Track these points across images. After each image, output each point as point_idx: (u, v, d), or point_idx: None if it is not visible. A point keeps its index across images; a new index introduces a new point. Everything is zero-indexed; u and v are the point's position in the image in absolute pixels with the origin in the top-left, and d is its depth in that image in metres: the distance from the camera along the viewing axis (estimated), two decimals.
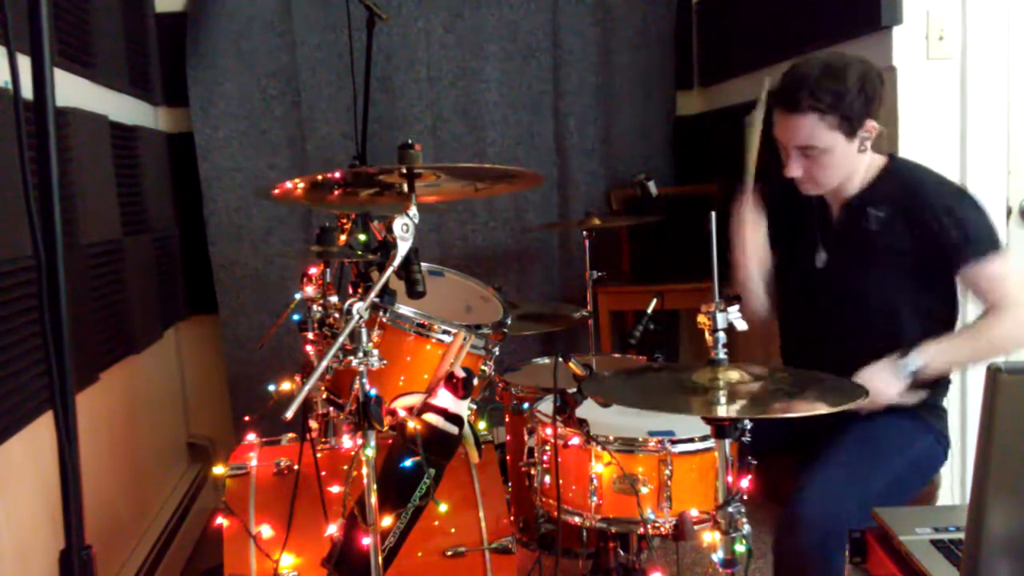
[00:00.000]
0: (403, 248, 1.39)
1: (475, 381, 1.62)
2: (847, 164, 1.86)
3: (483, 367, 1.69)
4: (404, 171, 1.43)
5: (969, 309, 1.98)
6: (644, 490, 1.72)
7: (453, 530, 1.82)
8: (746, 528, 1.40)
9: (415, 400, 1.61)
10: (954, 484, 2.49)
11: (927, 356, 1.77)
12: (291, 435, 2.12)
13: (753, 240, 2.05)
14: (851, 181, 1.91)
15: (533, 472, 1.90)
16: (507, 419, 2.32)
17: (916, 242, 1.84)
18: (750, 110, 1.92)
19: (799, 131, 1.81)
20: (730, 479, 1.41)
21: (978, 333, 1.83)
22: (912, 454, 1.88)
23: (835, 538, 1.56)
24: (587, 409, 1.75)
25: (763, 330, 2.02)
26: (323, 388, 1.70)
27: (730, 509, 1.40)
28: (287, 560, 1.74)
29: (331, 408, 1.96)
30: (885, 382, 1.76)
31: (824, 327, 1.99)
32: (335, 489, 1.83)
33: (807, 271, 2.01)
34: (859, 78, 1.78)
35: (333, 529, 1.61)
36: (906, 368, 1.76)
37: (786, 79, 1.84)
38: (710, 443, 1.73)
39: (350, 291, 1.59)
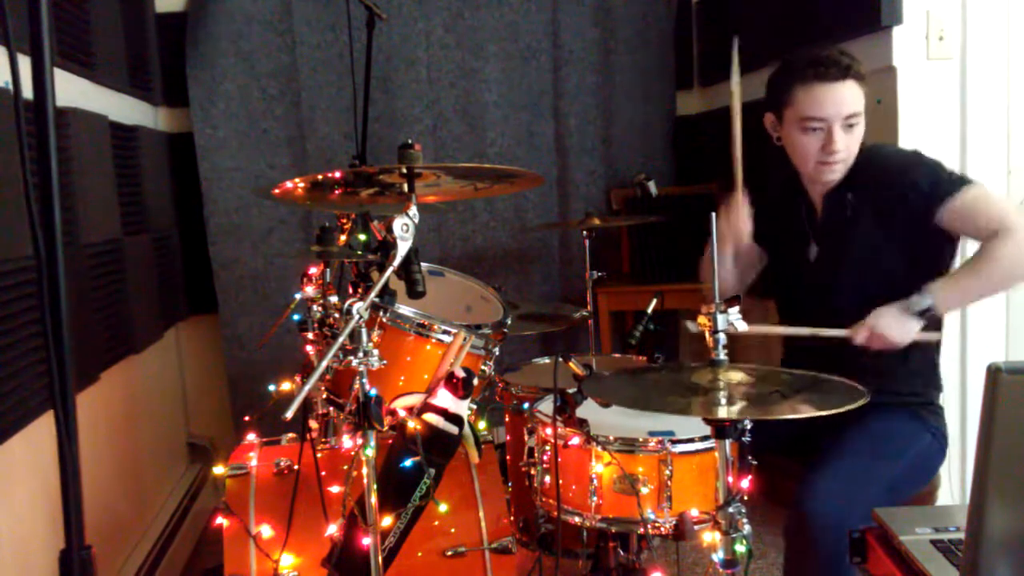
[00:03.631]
0: (403, 248, 1.39)
1: (475, 381, 1.62)
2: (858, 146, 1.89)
3: (483, 367, 1.69)
4: (404, 171, 1.44)
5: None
6: (644, 490, 1.72)
7: (453, 530, 1.82)
8: (746, 528, 1.40)
9: (415, 400, 1.61)
10: (954, 484, 2.49)
11: (936, 293, 1.74)
12: (291, 435, 2.12)
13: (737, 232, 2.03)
14: None
15: (533, 472, 1.90)
16: (507, 419, 2.32)
17: (891, 217, 1.84)
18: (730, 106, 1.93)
19: (847, 99, 1.82)
20: (730, 479, 1.41)
21: (982, 260, 1.76)
22: (913, 452, 1.88)
23: (844, 537, 1.56)
24: (587, 409, 1.75)
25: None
26: (323, 388, 1.70)
27: (730, 509, 1.40)
28: (287, 560, 1.74)
29: (331, 408, 1.95)
30: (896, 323, 1.74)
31: (820, 320, 1.99)
32: (335, 489, 1.83)
33: (799, 266, 2.02)
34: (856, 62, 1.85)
35: (333, 529, 1.61)
36: (916, 307, 1.73)
37: (813, 55, 1.85)
38: (710, 443, 1.73)
39: (350, 291, 1.59)
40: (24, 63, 1.05)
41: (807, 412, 1.37)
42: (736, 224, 2.00)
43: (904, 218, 1.83)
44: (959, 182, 1.79)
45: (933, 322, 1.78)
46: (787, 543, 1.75)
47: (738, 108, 1.91)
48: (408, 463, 1.55)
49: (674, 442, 1.73)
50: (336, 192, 1.62)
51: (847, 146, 1.86)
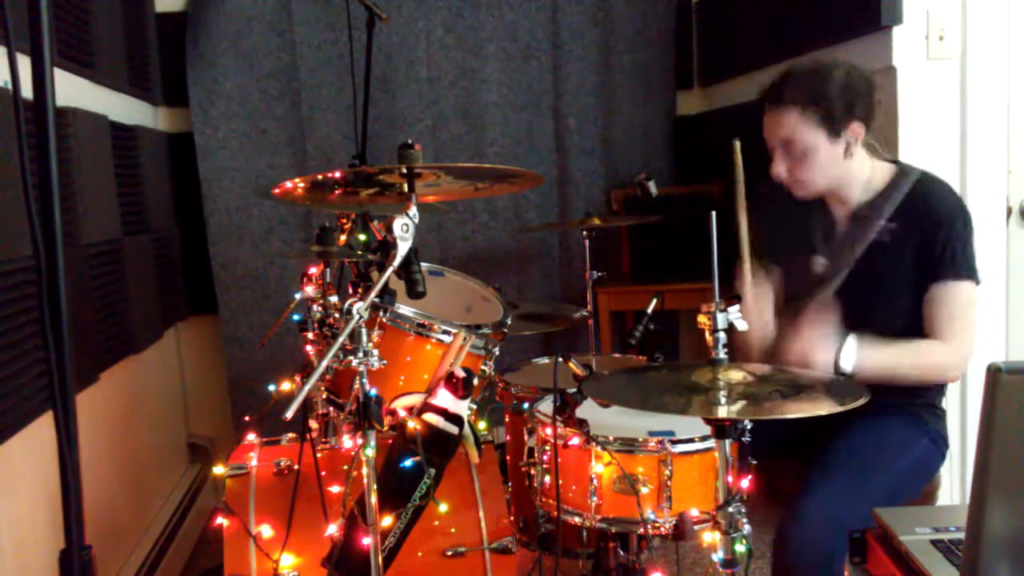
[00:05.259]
0: (403, 248, 1.39)
1: (475, 381, 1.62)
2: (832, 168, 1.85)
3: (483, 367, 1.69)
4: (404, 171, 1.44)
5: None
6: (644, 490, 1.72)
7: (453, 530, 1.82)
8: (746, 528, 1.40)
9: (415, 400, 1.61)
10: (954, 484, 2.49)
11: (862, 353, 1.75)
12: (291, 435, 2.12)
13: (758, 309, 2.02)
14: (852, 189, 1.90)
15: (533, 472, 1.90)
16: (507, 419, 2.32)
17: (919, 252, 1.83)
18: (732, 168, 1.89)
19: (781, 125, 1.82)
20: (730, 479, 1.41)
21: (909, 352, 1.81)
22: (911, 458, 1.87)
23: (835, 551, 1.56)
24: (587, 409, 1.75)
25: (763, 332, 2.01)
26: (323, 388, 1.70)
27: (730, 509, 1.40)
28: (287, 560, 1.74)
29: (331, 408, 1.96)
30: (819, 348, 1.75)
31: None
32: (335, 489, 1.83)
33: (811, 282, 1.99)
34: (843, 78, 1.80)
35: (333, 529, 1.61)
36: (840, 354, 1.74)
37: (773, 78, 1.86)
38: (710, 443, 1.73)
39: (350, 291, 1.59)
40: (24, 63, 1.05)
41: (807, 412, 1.37)
42: (759, 314, 1.97)
43: (924, 265, 1.83)
44: (963, 272, 1.79)
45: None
46: (774, 555, 1.73)
47: (743, 199, 1.88)
48: (408, 463, 1.55)
49: (674, 442, 1.73)
50: (336, 192, 1.62)
51: (792, 172, 1.85)
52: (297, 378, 1.83)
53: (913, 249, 1.84)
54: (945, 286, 1.80)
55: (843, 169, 1.86)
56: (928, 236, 1.81)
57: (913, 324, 1.86)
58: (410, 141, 1.42)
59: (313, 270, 1.82)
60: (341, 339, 1.32)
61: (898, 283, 1.87)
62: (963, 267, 1.80)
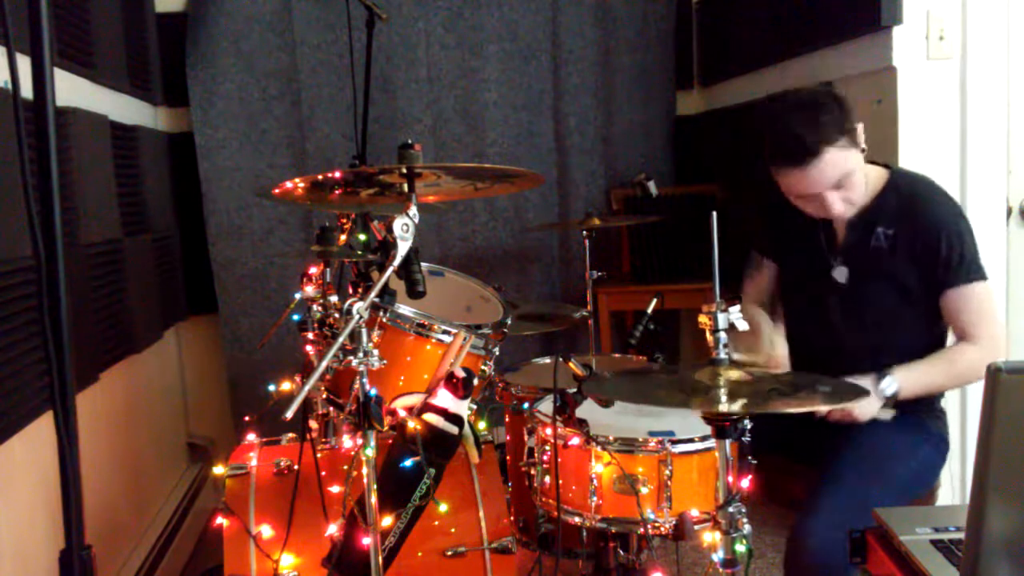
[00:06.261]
0: (403, 248, 1.39)
1: (475, 381, 1.62)
2: (862, 175, 1.85)
3: (483, 367, 1.69)
4: (404, 171, 1.43)
5: None
6: (644, 490, 1.72)
7: (453, 530, 1.82)
8: (746, 528, 1.40)
9: (415, 400, 1.61)
10: (954, 484, 2.49)
11: (902, 380, 1.80)
12: (291, 435, 2.12)
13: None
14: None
15: (533, 472, 1.90)
16: (507, 419, 2.32)
17: (918, 257, 1.84)
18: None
19: (827, 172, 1.77)
20: (730, 479, 1.41)
21: (943, 360, 1.86)
22: (914, 465, 1.88)
23: (845, 566, 1.56)
24: (587, 409, 1.75)
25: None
26: (323, 388, 1.69)
27: (730, 509, 1.40)
28: (287, 560, 1.74)
29: (331, 408, 1.96)
30: (868, 408, 1.79)
31: (825, 329, 1.98)
32: (335, 489, 1.83)
33: (815, 288, 1.99)
34: (829, 93, 1.80)
35: (333, 529, 1.61)
36: (882, 393, 1.79)
37: (776, 142, 1.81)
38: (710, 443, 1.73)
39: (350, 291, 1.59)
40: (24, 63, 1.05)
41: (806, 406, 1.37)
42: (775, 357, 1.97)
43: (925, 271, 1.84)
44: (973, 273, 1.81)
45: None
46: (786, 567, 1.73)
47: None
48: (408, 463, 1.55)
49: (674, 442, 1.73)
50: (336, 192, 1.62)
51: (847, 198, 1.84)
52: (297, 378, 1.83)
53: (911, 254, 1.85)
54: (959, 292, 1.81)
55: (865, 169, 1.87)
56: (927, 242, 1.82)
57: (912, 328, 1.87)
58: (410, 141, 1.42)
59: (313, 270, 1.82)
60: (341, 339, 1.32)
61: (897, 288, 1.87)
62: (972, 269, 1.81)
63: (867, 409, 1.78)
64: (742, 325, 1.44)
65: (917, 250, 1.84)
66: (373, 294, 1.37)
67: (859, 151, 1.82)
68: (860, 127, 1.82)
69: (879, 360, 1.83)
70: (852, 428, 1.81)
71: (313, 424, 1.98)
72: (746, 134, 1.92)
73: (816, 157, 1.75)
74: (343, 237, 1.78)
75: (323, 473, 1.83)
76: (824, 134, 1.75)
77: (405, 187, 1.48)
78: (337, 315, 1.70)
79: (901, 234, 1.86)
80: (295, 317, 1.82)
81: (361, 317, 1.35)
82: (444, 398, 1.57)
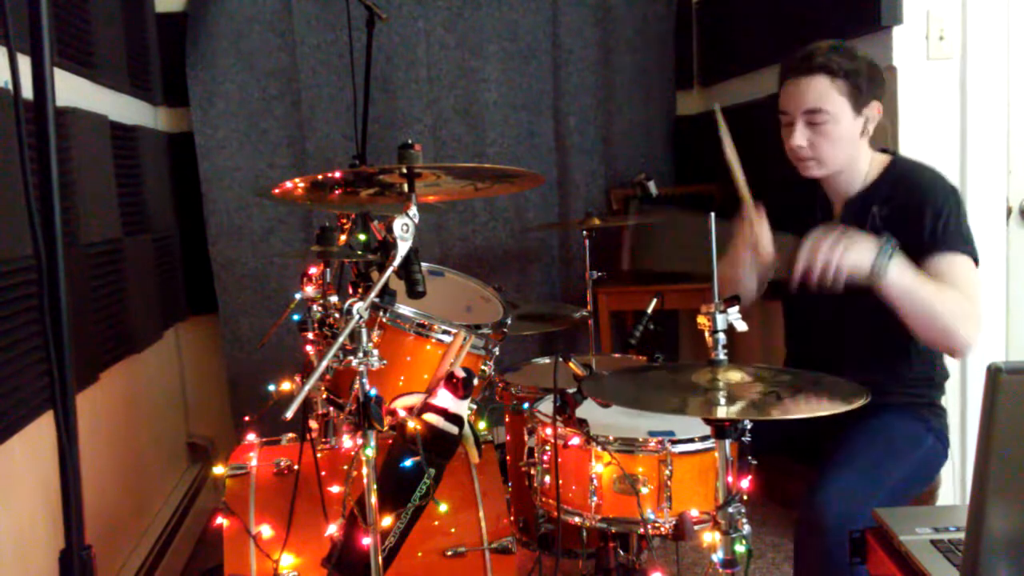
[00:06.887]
0: (403, 248, 1.39)
1: (475, 381, 1.62)
2: (850, 144, 1.85)
3: (483, 367, 1.69)
4: (404, 171, 1.43)
5: None
6: (644, 490, 1.72)
7: (453, 530, 1.82)
8: (746, 528, 1.40)
9: (415, 400, 1.61)
10: (954, 484, 2.49)
11: (901, 263, 1.71)
12: (291, 435, 2.12)
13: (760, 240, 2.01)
14: (854, 176, 1.90)
15: (533, 472, 1.90)
16: (507, 419, 2.32)
17: (908, 230, 1.82)
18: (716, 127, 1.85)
19: (809, 92, 1.80)
20: (730, 479, 1.41)
21: (940, 288, 1.75)
22: (919, 454, 1.88)
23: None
24: (587, 409, 1.75)
25: (763, 331, 2.02)
26: (323, 388, 1.70)
27: (730, 509, 1.40)
28: (287, 560, 1.74)
29: (331, 408, 1.96)
30: (854, 247, 1.70)
31: (825, 325, 1.98)
32: (335, 489, 1.83)
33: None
34: (868, 58, 1.83)
35: (333, 529, 1.61)
36: (882, 252, 1.69)
37: (797, 52, 1.85)
38: (710, 443, 1.73)
39: (350, 291, 1.59)
40: (24, 63, 1.05)
41: (807, 412, 1.37)
42: (759, 239, 1.94)
43: (914, 249, 1.81)
44: (956, 241, 1.78)
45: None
46: (798, 547, 1.73)
47: (732, 150, 1.85)
48: (408, 463, 1.55)
49: (674, 442, 1.73)
50: (336, 192, 1.62)
51: (811, 143, 1.84)
52: (297, 378, 1.83)
53: (904, 233, 1.83)
54: (944, 258, 1.77)
55: (856, 149, 1.87)
56: (915, 214, 1.81)
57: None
58: (410, 141, 1.42)
59: (313, 270, 1.82)
60: (341, 339, 1.32)
61: None
62: (958, 240, 1.78)
63: (856, 257, 1.69)
64: (741, 326, 1.44)
65: (908, 224, 1.82)
66: (373, 294, 1.37)
67: (858, 119, 1.82)
68: (878, 108, 1.83)
69: (877, 342, 1.82)
70: (858, 420, 1.79)
71: (313, 424, 1.98)
72: (746, 134, 1.91)
73: (804, 74, 1.80)
74: (343, 237, 1.77)
75: (323, 473, 1.83)
76: (832, 66, 1.79)
77: (405, 187, 1.48)
78: (337, 315, 1.70)
79: (893, 212, 1.86)
80: (295, 317, 1.82)
81: (361, 317, 1.35)
82: (444, 398, 1.57)
